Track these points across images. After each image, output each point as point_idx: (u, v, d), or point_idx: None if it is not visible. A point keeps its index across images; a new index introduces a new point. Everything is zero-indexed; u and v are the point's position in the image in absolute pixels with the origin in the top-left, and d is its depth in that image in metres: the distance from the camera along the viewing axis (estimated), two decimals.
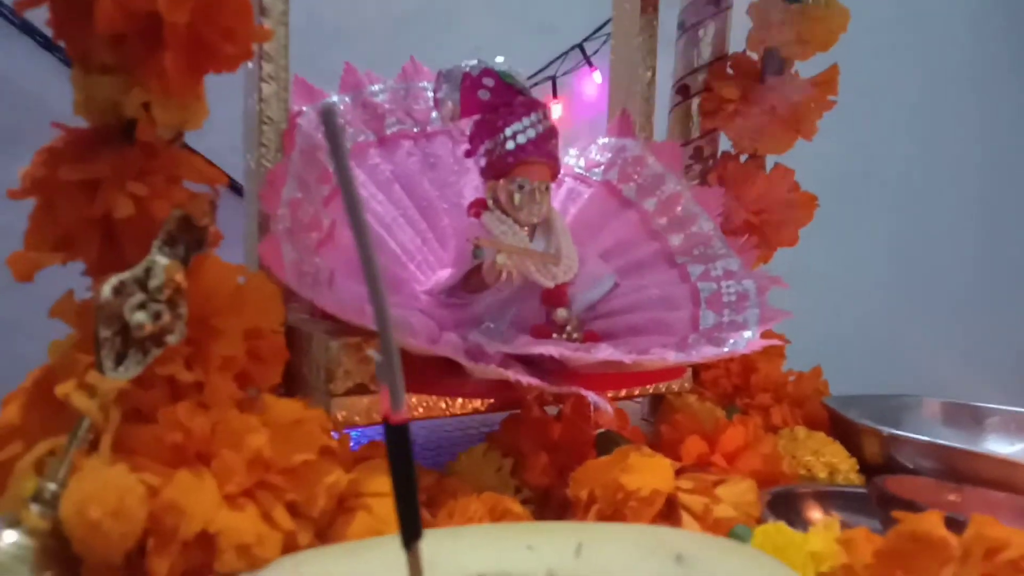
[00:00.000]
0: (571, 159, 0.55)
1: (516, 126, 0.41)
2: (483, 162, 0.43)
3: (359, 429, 0.38)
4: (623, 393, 0.47)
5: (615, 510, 0.34)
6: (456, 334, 0.39)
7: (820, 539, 0.32)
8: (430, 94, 0.46)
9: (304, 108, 0.42)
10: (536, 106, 0.42)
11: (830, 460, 0.47)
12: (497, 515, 0.33)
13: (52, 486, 0.28)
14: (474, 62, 0.42)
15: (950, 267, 1.12)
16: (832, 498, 0.43)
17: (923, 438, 0.46)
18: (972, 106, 1.17)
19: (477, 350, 0.38)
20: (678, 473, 0.37)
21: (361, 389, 0.37)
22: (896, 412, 0.54)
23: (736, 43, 0.58)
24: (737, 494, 0.36)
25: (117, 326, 0.29)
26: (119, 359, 0.29)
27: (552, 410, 0.43)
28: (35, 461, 0.29)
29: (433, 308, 0.43)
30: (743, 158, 0.59)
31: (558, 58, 0.93)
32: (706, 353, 0.41)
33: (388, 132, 0.48)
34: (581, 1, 0.90)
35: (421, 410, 0.40)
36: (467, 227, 0.43)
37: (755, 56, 0.57)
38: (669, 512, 0.35)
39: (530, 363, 0.39)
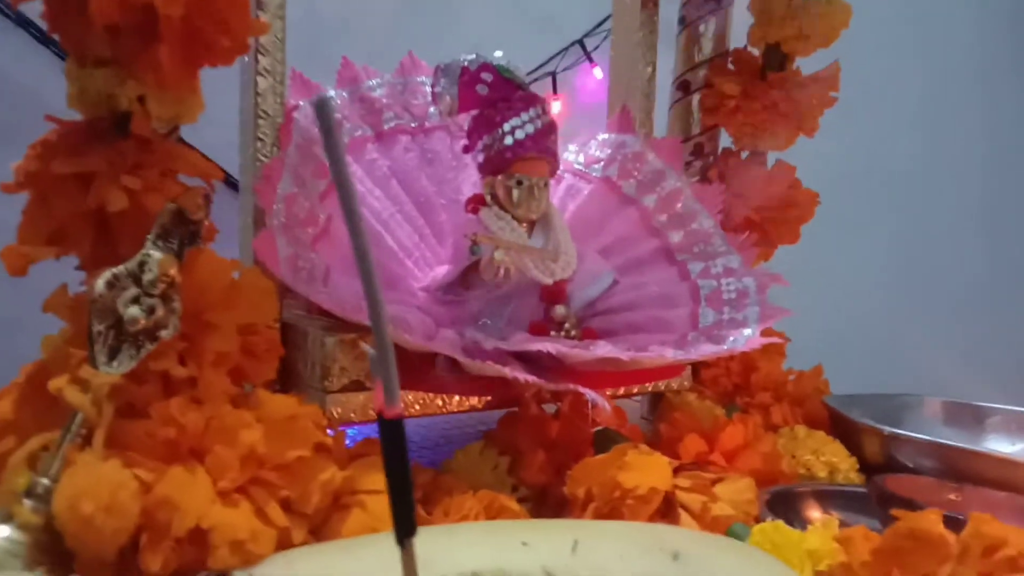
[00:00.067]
0: (570, 155, 0.55)
1: (514, 121, 0.41)
2: (481, 158, 0.43)
3: (355, 426, 0.38)
4: (622, 391, 0.47)
5: (612, 508, 0.34)
6: (453, 331, 0.39)
7: (818, 537, 0.31)
8: (428, 89, 0.45)
9: (301, 102, 0.42)
10: (535, 101, 0.42)
11: (830, 459, 0.47)
12: (493, 513, 0.33)
13: (45, 481, 0.28)
14: (472, 56, 0.41)
15: (952, 266, 1.12)
16: (832, 497, 0.42)
17: (923, 437, 0.46)
18: (975, 105, 1.17)
19: (474, 347, 0.38)
20: (676, 471, 0.36)
21: (357, 386, 0.37)
22: (897, 411, 0.54)
23: (737, 39, 0.58)
24: (735, 492, 0.36)
25: (110, 320, 0.29)
26: (112, 354, 0.29)
27: (550, 408, 0.43)
28: (28, 456, 0.29)
29: (430, 305, 0.42)
30: (744, 155, 0.58)
31: (558, 54, 0.93)
32: (705, 351, 0.41)
33: (386, 127, 0.48)
34: None
35: (417, 407, 0.40)
36: (465, 223, 0.43)
37: (756, 52, 0.57)
38: (667, 510, 0.35)
39: (528, 360, 0.39)
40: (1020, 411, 0.54)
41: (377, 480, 0.31)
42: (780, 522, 0.33)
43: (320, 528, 0.31)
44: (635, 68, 0.54)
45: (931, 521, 0.28)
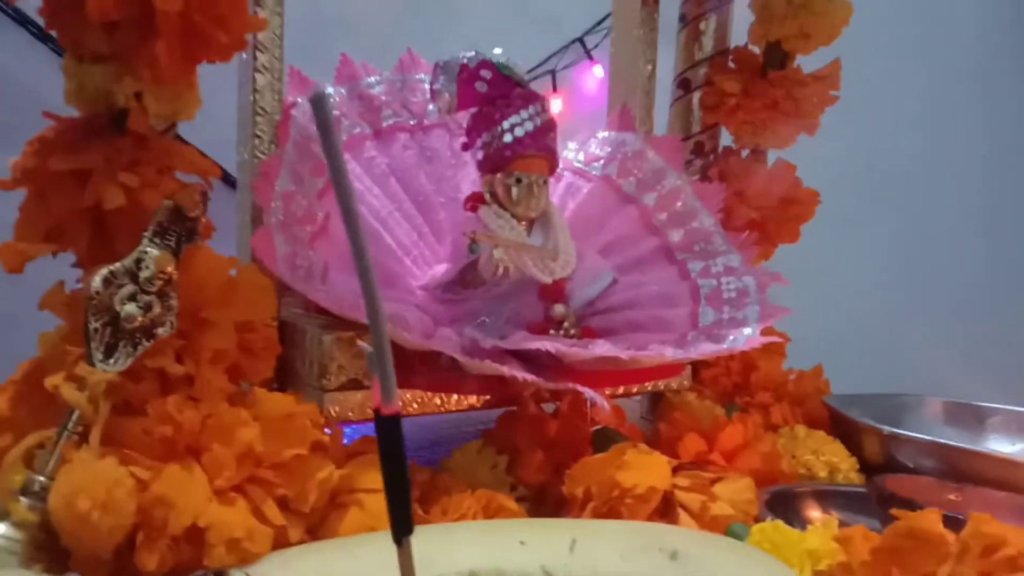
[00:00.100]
0: (570, 153, 0.54)
1: (514, 119, 0.41)
2: (480, 155, 0.43)
3: (353, 425, 0.38)
4: (621, 391, 0.47)
5: (611, 507, 0.34)
6: (452, 329, 0.39)
7: (817, 537, 0.31)
8: (427, 86, 0.45)
9: (299, 99, 0.42)
10: (534, 98, 0.42)
11: (830, 459, 0.46)
12: (491, 512, 0.33)
13: (41, 479, 0.28)
14: (472, 54, 0.41)
15: (952, 266, 1.12)
16: (832, 497, 0.42)
17: (924, 437, 0.46)
18: (976, 104, 1.17)
19: (473, 346, 0.37)
20: (675, 471, 0.36)
21: (354, 384, 0.37)
22: (897, 411, 0.54)
23: (738, 37, 0.58)
24: (735, 492, 0.36)
25: (107, 318, 0.28)
26: (109, 351, 0.29)
27: (549, 407, 0.43)
28: (24, 453, 0.29)
29: (429, 303, 0.42)
30: (744, 153, 0.58)
31: (558, 52, 0.93)
32: (705, 350, 0.41)
33: (384, 125, 0.48)
34: None
35: (415, 406, 0.39)
36: (464, 221, 0.43)
37: (757, 50, 0.57)
38: (666, 510, 0.35)
39: (527, 360, 0.38)
40: (1021, 411, 0.53)
41: (375, 479, 0.31)
42: (779, 522, 0.33)
43: (317, 527, 0.31)
44: (635, 66, 0.54)
45: (931, 520, 0.28)
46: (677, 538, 0.29)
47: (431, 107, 0.49)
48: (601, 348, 0.38)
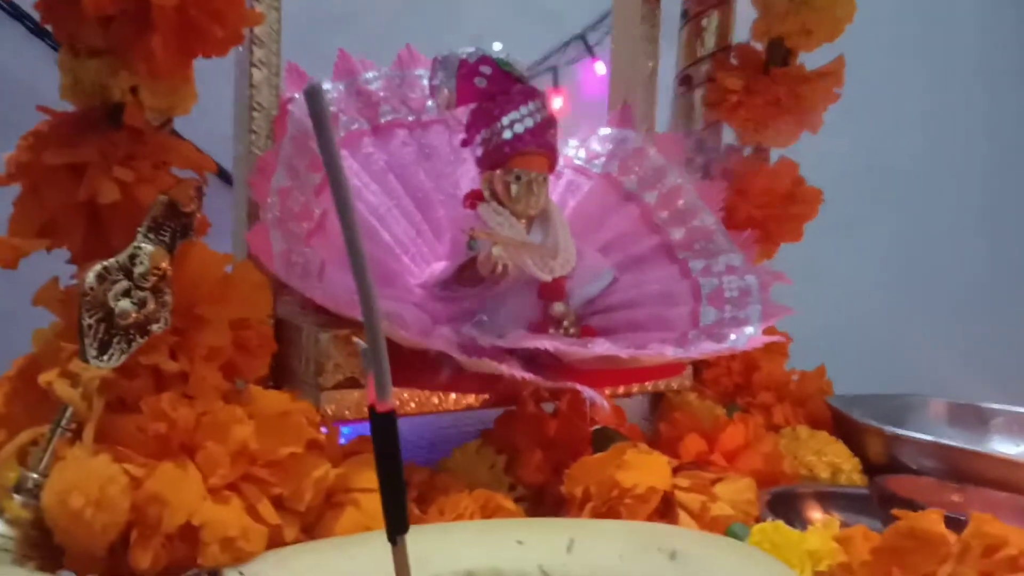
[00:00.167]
0: (571, 150, 0.54)
1: (513, 115, 0.40)
2: (479, 152, 0.42)
3: (349, 424, 0.37)
4: (622, 391, 0.46)
5: (610, 507, 0.33)
6: (450, 328, 0.39)
7: (818, 537, 0.31)
8: (426, 82, 0.45)
9: (296, 95, 0.41)
10: (534, 94, 0.41)
11: (832, 460, 0.46)
12: (489, 512, 0.33)
13: (35, 476, 0.28)
14: (471, 49, 0.41)
15: (953, 266, 1.11)
16: (833, 498, 0.42)
17: (926, 437, 0.45)
18: (978, 104, 1.16)
19: (471, 344, 0.37)
20: (676, 471, 0.36)
21: (351, 383, 0.36)
22: (900, 412, 0.54)
23: (740, 33, 0.57)
24: (735, 492, 0.36)
25: (101, 314, 0.28)
26: (103, 347, 0.28)
27: (549, 407, 0.42)
28: (18, 450, 0.29)
29: (427, 301, 0.42)
30: (747, 151, 0.58)
31: (560, 48, 0.92)
32: (705, 349, 0.40)
33: (382, 121, 0.47)
34: None
35: (413, 405, 0.39)
36: (463, 218, 0.43)
37: (759, 46, 0.56)
38: (666, 510, 0.34)
39: (526, 359, 0.38)
40: None
41: (371, 478, 0.31)
42: (780, 522, 0.33)
43: (313, 526, 0.30)
44: (637, 63, 0.54)
45: (931, 520, 0.28)
46: (676, 538, 0.29)
47: (430, 103, 0.48)
48: (601, 347, 0.38)
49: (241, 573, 0.27)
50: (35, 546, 0.27)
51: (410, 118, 0.48)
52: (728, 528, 0.34)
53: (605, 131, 0.54)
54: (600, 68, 0.92)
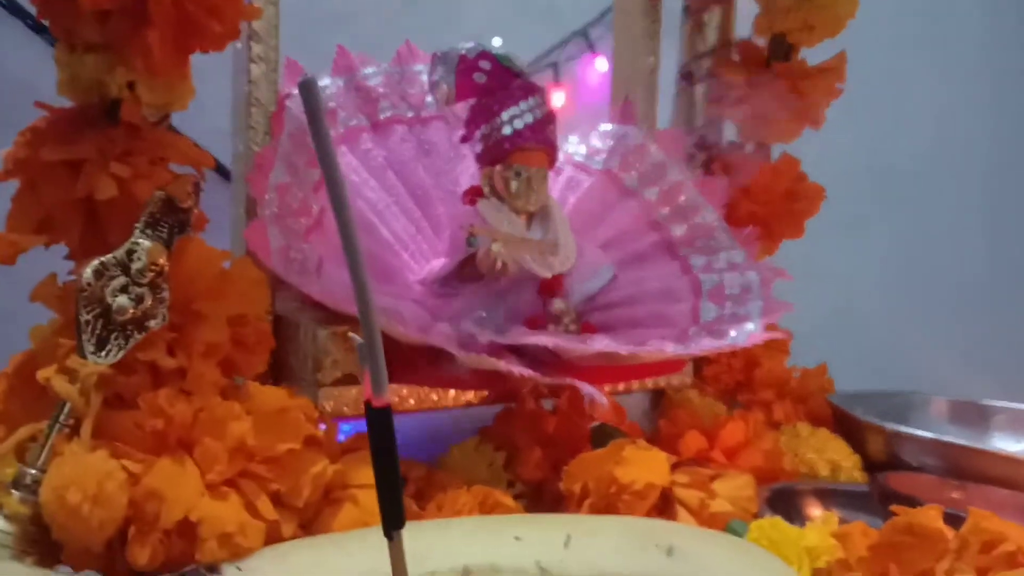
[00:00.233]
0: (571, 146, 0.54)
1: (513, 110, 0.40)
2: (479, 148, 0.42)
3: (348, 420, 0.37)
4: (621, 387, 0.46)
5: (608, 504, 0.33)
6: (449, 324, 0.39)
7: (816, 534, 0.31)
8: (425, 78, 0.45)
9: (293, 91, 0.41)
10: (534, 90, 0.41)
11: (833, 457, 0.46)
12: (487, 508, 0.33)
13: (33, 471, 0.28)
14: (471, 45, 0.40)
15: (954, 265, 1.11)
16: (833, 496, 0.42)
17: (927, 435, 0.45)
18: (980, 103, 1.15)
19: (469, 340, 0.37)
20: (675, 467, 0.36)
21: (349, 379, 0.36)
22: (901, 410, 0.53)
23: (742, 29, 0.57)
24: (734, 489, 0.36)
25: (98, 309, 0.28)
26: (101, 344, 0.28)
27: (548, 404, 0.42)
28: (16, 446, 0.29)
29: (426, 298, 0.42)
30: (748, 147, 0.57)
31: (560, 44, 0.92)
32: (705, 346, 0.40)
33: (382, 117, 0.47)
34: None
35: (412, 402, 0.39)
36: (462, 215, 0.42)
37: (761, 42, 0.56)
38: (664, 506, 0.34)
39: (525, 355, 0.38)
40: None
41: (369, 475, 0.30)
42: (778, 518, 0.32)
43: (311, 522, 0.30)
44: (638, 59, 0.54)
45: (929, 516, 0.28)
46: (673, 534, 0.29)
47: (429, 99, 0.48)
48: (600, 343, 0.38)
49: (239, 569, 0.27)
50: (33, 542, 0.28)
51: (409, 114, 0.48)
52: (727, 525, 0.34)
53: (606, 127, 0.54)
54: (601, 64, 0.92)
